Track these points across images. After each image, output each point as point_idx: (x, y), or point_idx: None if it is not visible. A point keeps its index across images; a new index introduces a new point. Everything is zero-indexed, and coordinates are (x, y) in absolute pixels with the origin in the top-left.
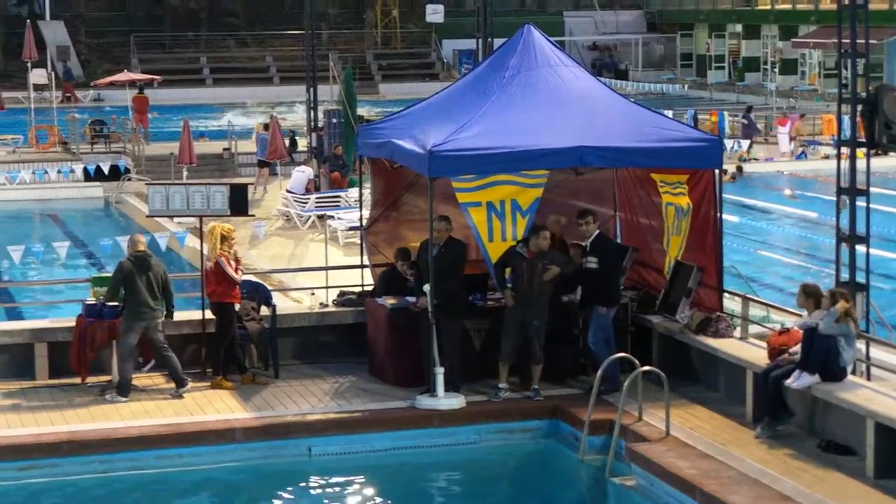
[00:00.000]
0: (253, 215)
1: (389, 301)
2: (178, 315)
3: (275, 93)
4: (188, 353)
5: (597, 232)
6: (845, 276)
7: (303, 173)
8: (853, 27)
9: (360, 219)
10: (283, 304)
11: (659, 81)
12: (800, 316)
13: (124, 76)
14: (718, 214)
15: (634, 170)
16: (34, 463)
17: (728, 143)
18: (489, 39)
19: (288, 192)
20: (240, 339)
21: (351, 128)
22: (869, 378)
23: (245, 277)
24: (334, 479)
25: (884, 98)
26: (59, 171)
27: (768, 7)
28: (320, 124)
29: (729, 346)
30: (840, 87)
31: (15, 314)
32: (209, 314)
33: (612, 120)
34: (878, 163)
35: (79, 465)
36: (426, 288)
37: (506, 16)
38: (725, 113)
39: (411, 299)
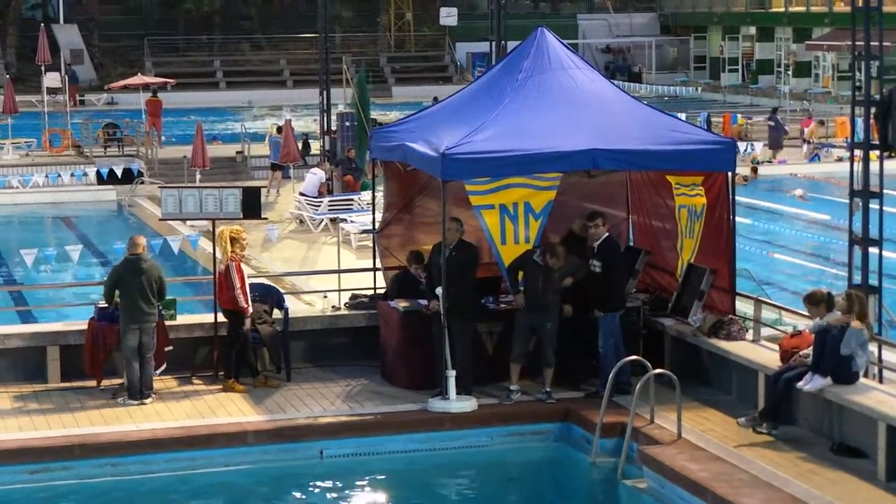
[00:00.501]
0: (266, 218)
1: (401, 304)
2: (191, 318)
3: (288, 96)
4: (200, 356)
5: (605, 235)
6: (858, 278)
7: (315, 176)
8: (867, 29)
9: (373, 222)
10: (296, 307)
11: (672, 84)
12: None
13: (138, 79)
14: (732, 217)
15: (647, 172)
16: (46, 466)
17: (741, 145)
18: (502, 42)
19: (301, 195)
20: (252, 342)
21: (364, 131)
22: (881, 381)
23: (257, 280)
24: (346, 482)
25: None
26: (72, 175)
27: (782, 9)
28: (333, 127)
29: (741, 349)
30: (854, 90)
31: (27, 317)
32: (221, 317)
33: (625, 123)
34: (892, 165)
35: (91, 468)
36: (438, 291)
37: (519, 18)
38: (739, 115)
39: (423, 302)
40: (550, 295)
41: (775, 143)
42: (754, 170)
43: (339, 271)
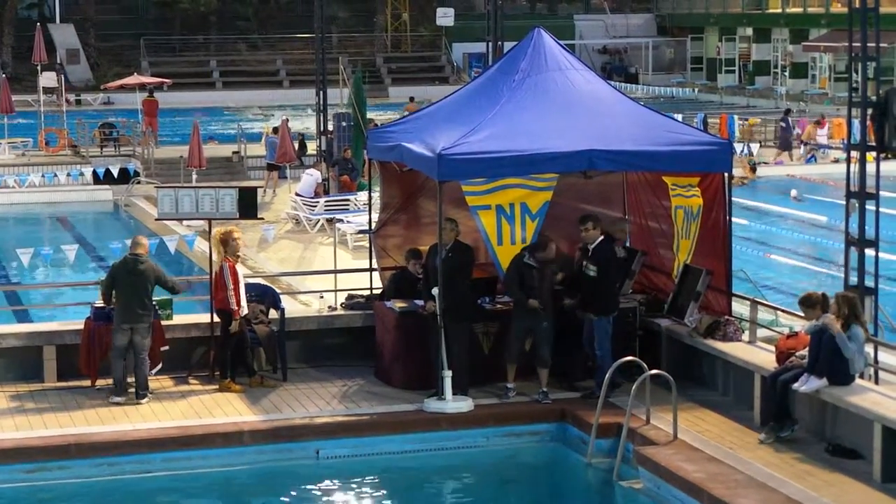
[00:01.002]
0: (262, 218)
1: (398, 304)
2: (187, 318)
3: (284, 96)
4: (197, 357)
5: (600, 238)
6: (854, 279)
7: (312, 177)
8: (864, 31)
9: (369, 222)
10: (292, 308)
11: (669, 85)
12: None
13: (134, 79)
14: (728, 218)
15: (644, 173)
16: (42, 465)
17: (737, 146)
18: (499, 43)
19: (297, 195)
20: (249, 342)
21: (360, 131)
22: (877, 382)
23: (254, 281)
24: (342, 482)
25: (894, 102)
26: (68, 174)
27: (779, 10)
28: (330, 128)
29: (737, 350)
30: (850, 91)
31: (23, 317)
32: (217, 318)
33: (622, 123)
34: (888, 167)
35: (87, 468)
36: (434, 291)
37: (516, 19)
38: (735, 117)
39: (420, 303)
40: (545, 294)
41: (785, 145)
42: (752, 170)
43: (335, 271)
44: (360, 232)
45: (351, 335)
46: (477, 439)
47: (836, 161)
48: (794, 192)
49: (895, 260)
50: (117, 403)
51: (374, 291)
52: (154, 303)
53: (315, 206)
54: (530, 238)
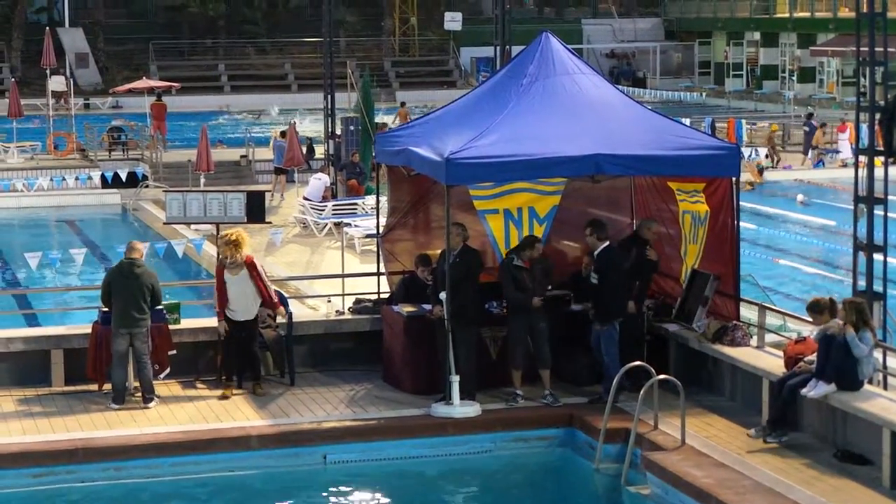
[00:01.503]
0: (270, 222)
1: (406, 309)
2: (195, 322)
3: (292, 100)
4: (204, 361)
5: (603, 245)
6: (862, 284)
7: (320, 180)
8: (871, 35)
9: (377, 226)
10: (300, 312)
11: (676, 89)
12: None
13: (143, 83)
14: (736, 223)
15: (652, 178)
16: (50, 469)
17: (745, 151)
18: (507, 47)
19: (305, 199)
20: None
21: (368, 135)
22: (885, 387)
23: None
24: (349, 487)
25: None
26: (76, 178)
27: (786, 15)
28: (338, 131)
29: (745, 355)
30: (858, 96)
31: (31, 321)
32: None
33: (630, 128)
34: None
35: (94, 472)
36: (442, 296)
37: (524, 23)
38: (743, 121)
39: (428, 307)
40: (539, 292)
41: (808, 149)
42: (760, 171)
43: (342, 276)
44: (368, 236)
45: (359, 339)
46: (484, 444)
47: (845, 165)
48: (800, 197)
49: None
50: (115, 410)
51: (382, 296)
52: (162, 307)
53: (323, 210)
54: None
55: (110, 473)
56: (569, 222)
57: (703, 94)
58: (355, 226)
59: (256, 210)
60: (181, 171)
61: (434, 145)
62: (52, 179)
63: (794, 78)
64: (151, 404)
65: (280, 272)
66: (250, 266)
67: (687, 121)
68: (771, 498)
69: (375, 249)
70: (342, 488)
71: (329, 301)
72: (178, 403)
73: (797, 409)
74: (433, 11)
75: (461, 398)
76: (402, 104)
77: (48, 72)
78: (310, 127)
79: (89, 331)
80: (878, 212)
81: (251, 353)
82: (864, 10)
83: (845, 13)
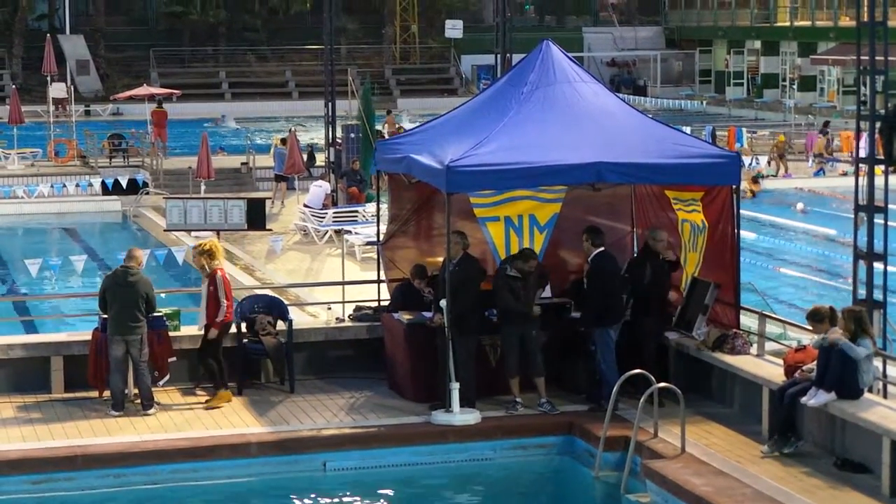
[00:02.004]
0: (270, 230)
1: (406, 316)
2: (194, 329)
3: (293, 108)
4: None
5: (596, 252)
6: (863, 292)
7: (320, 188)
8: (872, 44)
9: (377, 234)
10: (300, 319)
11: (677, 98)
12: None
13: (143, 90)
14: (736, 231)
15: (652, 186)
16: (49, 476)
17: (745, 159)
18: (508, 55)
19: (305, 206)
20: (254, 353)
21: (369, 143)
22: (885, 396)
23: (262, 292)
24: (349, 495)
25: None
26: (77, 185)
27: (787, 24)
28: (339, 139)
29: (745, 363)
30: (859, 105)
31: (31, 327)
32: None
33: (630, 136)
34: None
35: (93, 479)
36: (442, 304)
37: (524, 31)
38: (744, 129)
39: (428, 315)
40: (532, 302)
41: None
42: (756, 180)
43: (343, 283)
44: (369, 243)
45: (359, 347)
46: (484, 452)
47: (845, 174)
48: (800, 206)
49: None
50: (115, 417)
51: (382, 303)
52: (162, 314)
53: (323, 218)
54: (539, 250)
55: (110, 480)
56: (569, 230)
57: (704, 102)
58: (356, 233)
59: (257, 217)
60: (182, 178)
61: (435, 153)
62: (52, 186)
63: (795, 86)
64: (151, 411)
65: (280, 279)
66: (210, 277)
67: (687, 129)
68: None
69: (376, 257)
70: (342, 496)
71: (329, 308)
72: (177, 410)
73: (796, 418)
74: (434, 19)
75: (461, 406)
76: (388, 112)
77: (49, 79)
78: (304, 136)
79: (89, 337)
80: (879, 220)
81: (204, 362)
82: (865, 19)
83: (846, 22)
